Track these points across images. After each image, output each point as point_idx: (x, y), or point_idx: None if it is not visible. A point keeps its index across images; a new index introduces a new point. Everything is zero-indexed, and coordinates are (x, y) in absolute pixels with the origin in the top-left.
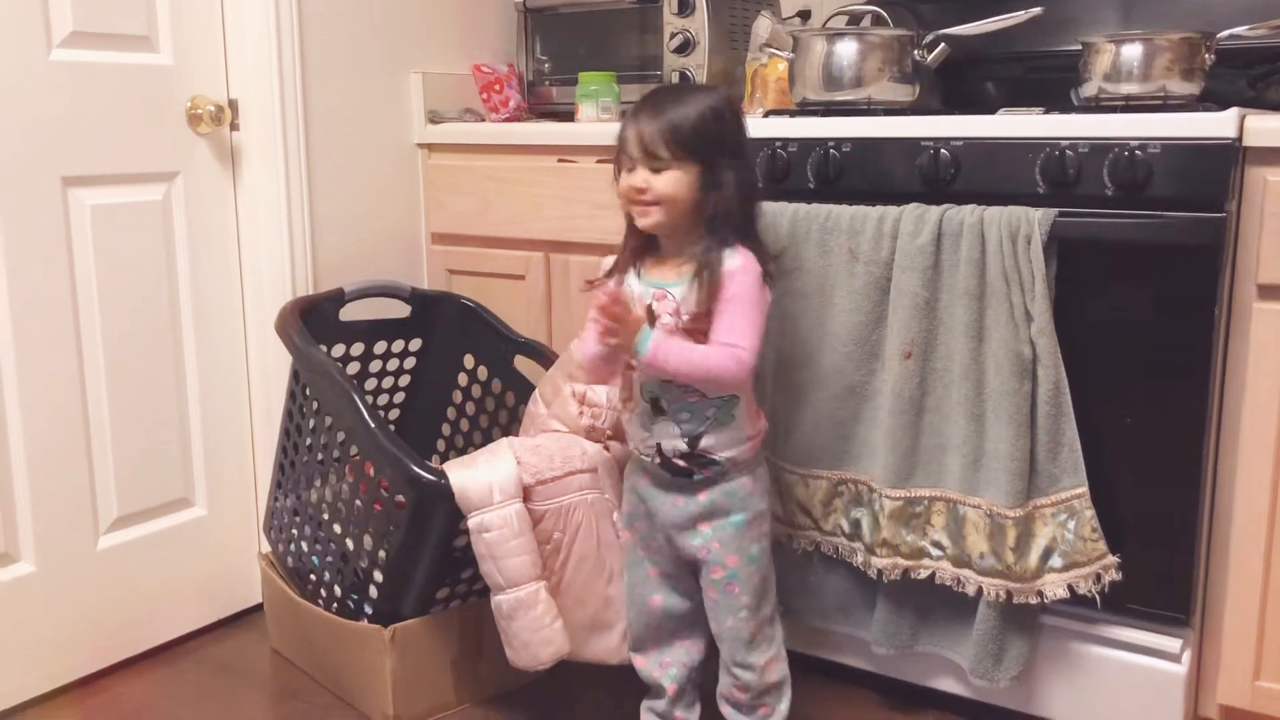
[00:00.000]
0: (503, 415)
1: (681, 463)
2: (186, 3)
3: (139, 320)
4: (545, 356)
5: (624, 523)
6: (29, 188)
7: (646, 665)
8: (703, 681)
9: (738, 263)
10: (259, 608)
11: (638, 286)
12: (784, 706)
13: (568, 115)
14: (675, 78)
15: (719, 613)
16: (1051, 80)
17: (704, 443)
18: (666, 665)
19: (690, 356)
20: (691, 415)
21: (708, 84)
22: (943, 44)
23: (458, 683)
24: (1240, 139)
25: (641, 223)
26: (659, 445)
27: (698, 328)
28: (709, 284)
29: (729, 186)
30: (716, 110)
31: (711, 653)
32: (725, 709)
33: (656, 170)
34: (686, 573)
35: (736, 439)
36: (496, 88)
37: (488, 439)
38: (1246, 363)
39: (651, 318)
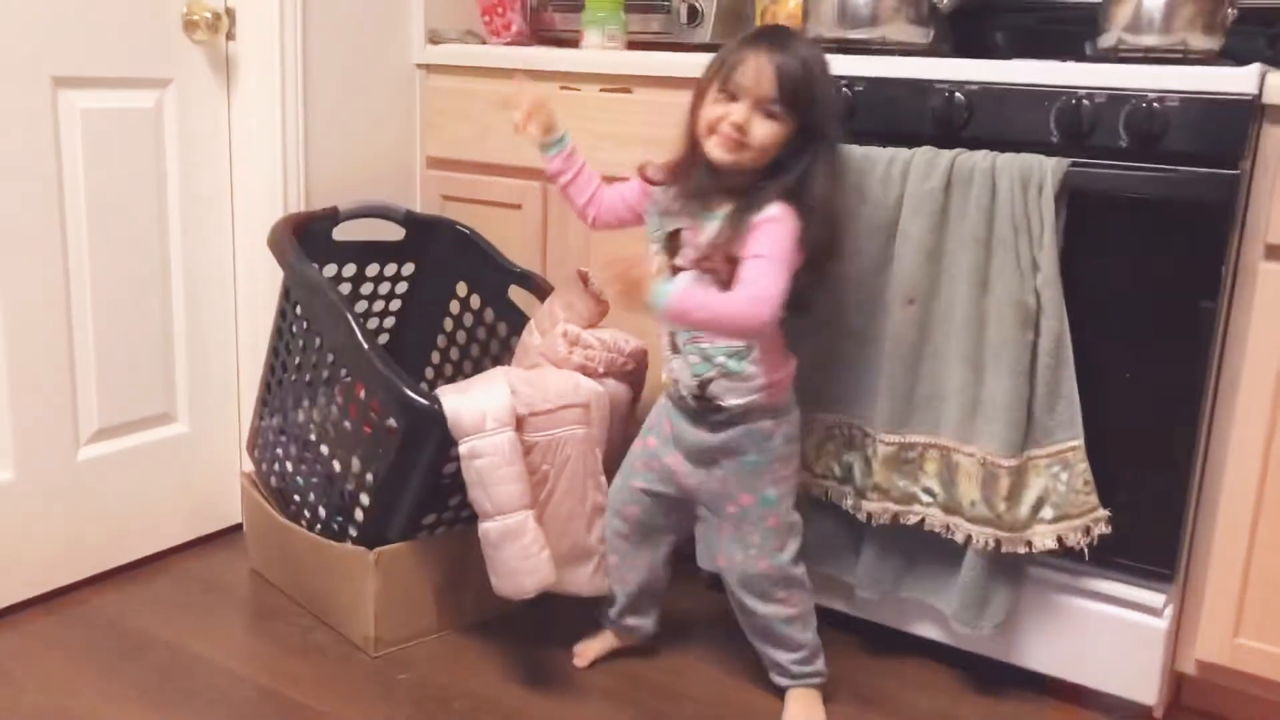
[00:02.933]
0: (494, 345)
1: (694, 403)
2: None
3: (126, 229)
4: (540, 287)
5: (641, 431)
6: (19, 86)
7: (611, 571)
8: (662, 595)
9: (774, 213)
10: (239, 527)
11: (684, 209)
12: (805, 635)
13: (570, 43)
14: (683, 9)
15: (730, 547)
16: (1064, 32)
17: (712, 389)
18: (625, 575)
19: (711, 306)
20: (700, 359)
21: (812, 39)
22: None
23: (440, 609)
24: (1260, 96)
25: (719, 155)
26: (677, 381)
27: (719, 266)
28: (740, 226)
29: (809, 158)
30: (826, 75)
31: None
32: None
33: (766, 116)
34: (673, 503)
35: (748, 388)
36: (499, 10)
37: (478, 368)
38: (1249, 323)
39: (677, 243)
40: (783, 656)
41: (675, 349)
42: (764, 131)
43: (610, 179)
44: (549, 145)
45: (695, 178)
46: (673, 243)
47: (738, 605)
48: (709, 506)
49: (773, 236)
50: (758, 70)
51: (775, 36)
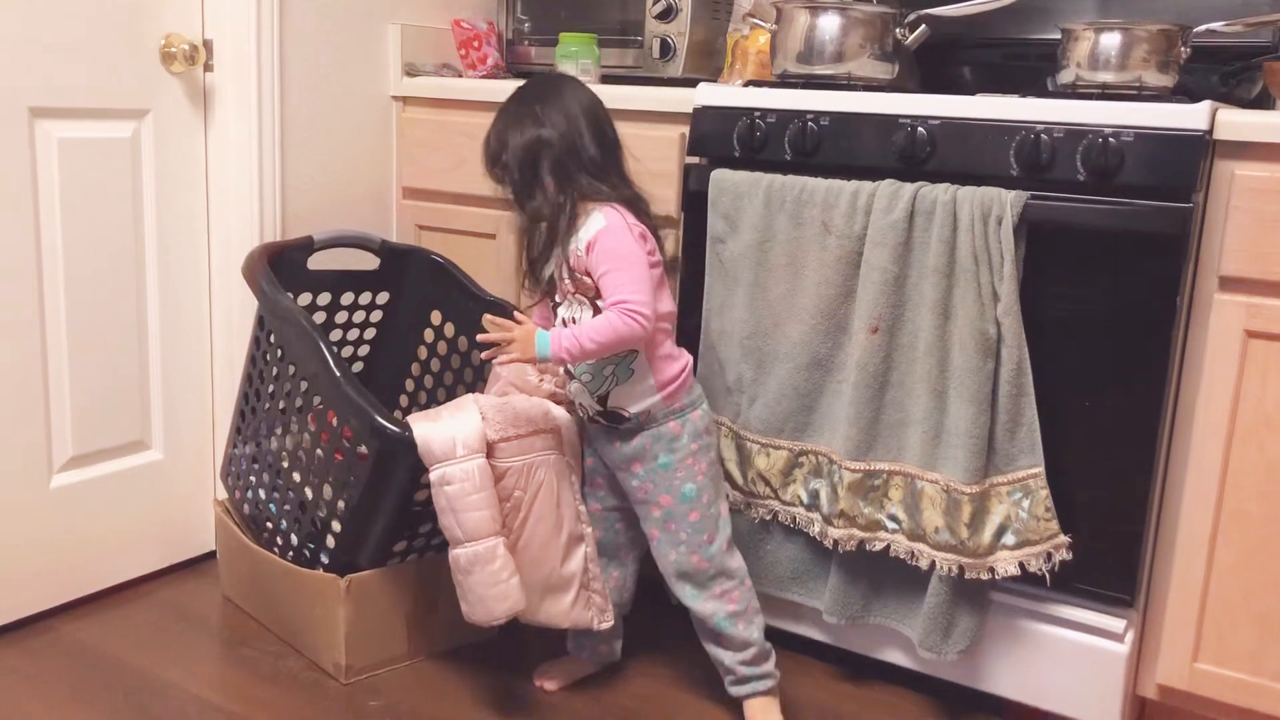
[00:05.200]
0: (468, 373)
1: (601, 420)
2: None
3: (102, 258)
4: (513, 316)
5: (585, 451)
6: None
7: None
8: (625, 616)
9: (600, 224)
10: (212, 554)
11: (552, 262)
12: (750, 633)
13: None
14: (656, 44)
15: (662, 549)
16: (1027, 67)
17: (612, 401)
18: None
19: (584, 334)
20: (592, 375)
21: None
22: (924, 25)
23: (411, 635)
24: (1211, 132)
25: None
26: (580, 405)
27: (584, 290)
28: (567, 256)
29: (541, 191)
30: (507, 121)
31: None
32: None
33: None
34: (627, 515)
35: (643, 391)
36: (475, 44)
37: (452, 396)
38: (1204, 353)
39: (554, 285)
40: (730, 658)
41: (570, 375)
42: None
43: None
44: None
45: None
46: (551, 287)
47: (686, 607)
48: (639, 514)
49: (605, 248)
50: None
51: (505, 103)
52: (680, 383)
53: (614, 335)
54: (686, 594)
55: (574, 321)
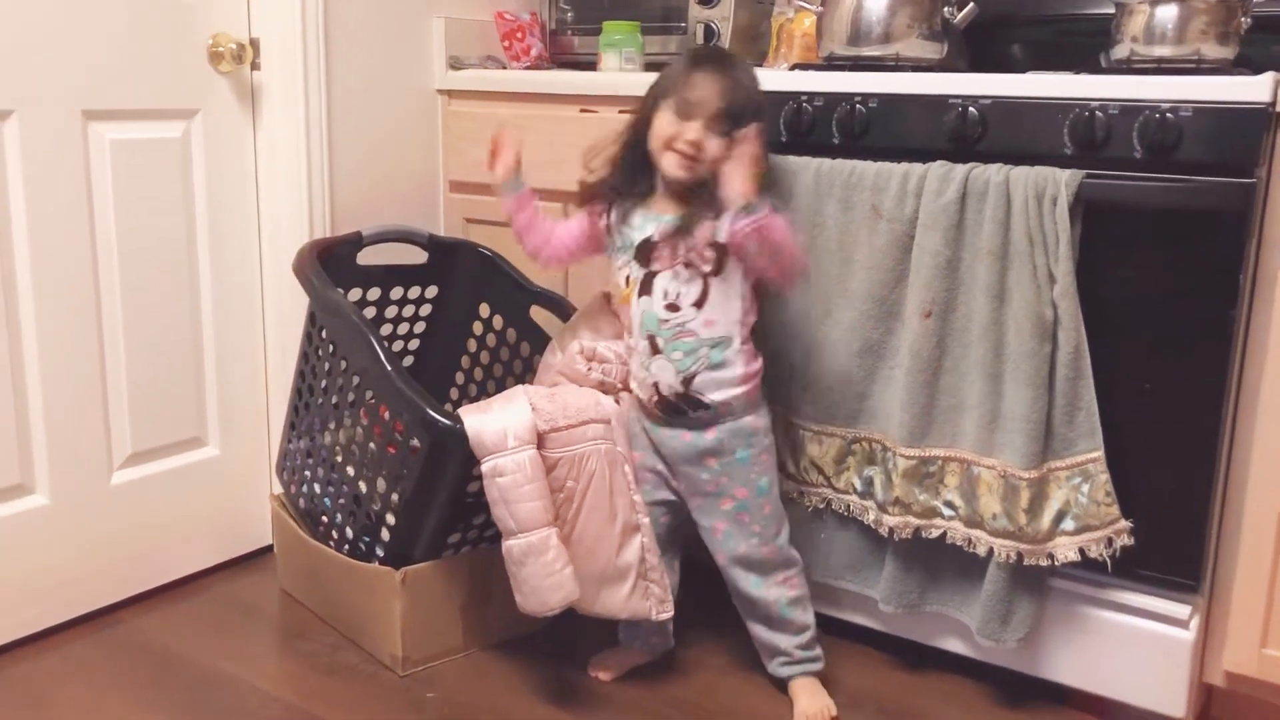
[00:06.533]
0: (517, 365)
1: (676, 401)
2: None
3: (156, 257)
4: (562, 308)
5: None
6: (51, 119)
7: None
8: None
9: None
10: (269, 549)
11: (638, 220)
12: (807, 617)
13: (589, 66)
14: (700, 30)
15: (731, 542)
16: (1080, 44)
17: (696, 383)
18: None
19: (782, 222)
20: (685, 354)
21: (740, 56)
22: (972, 3)
23: (466, 627)
24: (1274, 105)
25: (676, 174)
26: (656, 384)
27: (703, 260)
28: (702, 226)
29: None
30: (761, 95)
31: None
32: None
33: (718, 134)
34: (676, 508)
35: (728, 380)
36: (518, 35)
37: (501, 388)
38: (1268, 332)
39: (651, 250)
40: (786, 641)
41: (656, 350)
42: (715, 147)
43: None
44: (510, 186)
45: (643, 185)
46: (644, 251)
47: (742, 595)
48: (700, 507)
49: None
50: (709, 92)
51: (720, 59)
52: (759, 379)
53: (790, 235)
54: (750, 582)
55: (676, 295)
